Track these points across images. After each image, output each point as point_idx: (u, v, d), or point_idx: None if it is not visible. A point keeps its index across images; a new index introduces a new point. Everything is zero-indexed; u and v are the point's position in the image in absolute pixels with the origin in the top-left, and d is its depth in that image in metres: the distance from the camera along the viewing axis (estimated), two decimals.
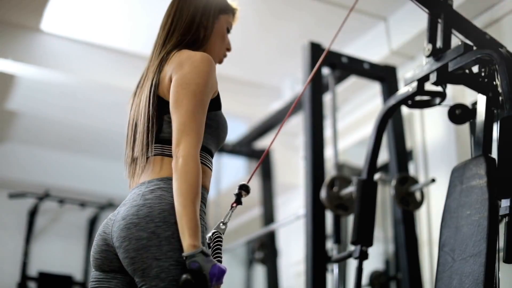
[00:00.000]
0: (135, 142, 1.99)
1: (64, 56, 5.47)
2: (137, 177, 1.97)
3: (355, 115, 5.68)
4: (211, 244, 1.93)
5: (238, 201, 2.08)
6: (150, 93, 1.96)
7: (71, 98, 6.22)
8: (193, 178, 1.77)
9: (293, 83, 5.98)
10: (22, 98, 6.15)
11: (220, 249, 1.92)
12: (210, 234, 1.96)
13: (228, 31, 2.19)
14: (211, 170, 1.99)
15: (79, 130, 7.04)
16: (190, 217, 1.74)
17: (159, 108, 1.95)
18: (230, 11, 2.18)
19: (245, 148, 6.25)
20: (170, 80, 1.93)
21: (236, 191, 2.08)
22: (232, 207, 2.06)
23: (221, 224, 1.98)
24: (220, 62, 2.18)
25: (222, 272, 1.74)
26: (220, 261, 1.88)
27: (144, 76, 2.09)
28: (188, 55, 1.95)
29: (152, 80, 1.98)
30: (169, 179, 1.87)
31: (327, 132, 4.31)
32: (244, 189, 2.09)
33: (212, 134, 1.97)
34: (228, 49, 2.20)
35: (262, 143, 6.37)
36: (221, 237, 1.95)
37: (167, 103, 1.93)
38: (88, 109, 6.47)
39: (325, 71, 4.37)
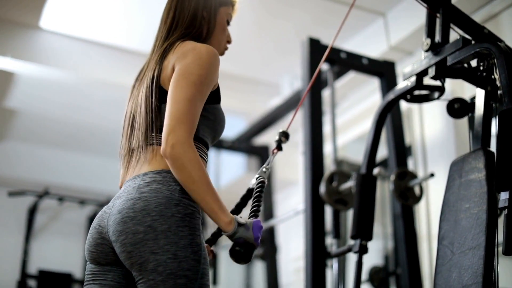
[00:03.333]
0: (133, 132, 1.98)
1: (63, 54, 5.47)
2: (132, 168, 1.97)
3: (354, 110, 5.69)
4: (255, 188, 2.06)
5: (279, 147, 2.28)
6: (152, 83, 1.95)
7: (70, 95, 6.22)
8: (199, 163, 1.80)
9: (292, 79, 5.99)
10: (21, 96, 6.16)
11: (262, 195, 2.04)
12: (253, 180, 2.14)
13: (228, 23, 2.18)
14: (206, 162, 1.99)
15: (78, 127, 7.05)
16: (214, 198, 1.81)
17: (161, 98, 1.94)
18: (229, 3, 2.17)
19: (244, 144, 6.26)
20: (173, 70, 1.92)
21: (277, 137, 2.26)
22: (273, 153, 2.24)
23: (264, 169, 2.15)
24: (222, 54, 2.17)
25: (261, 228, 1.88)
26: (259, 210, 1.99)
27: (145, 69, 2.08)
28: (193, 46, 1.95)
29: (154, 71, 1.97)
30: (165, 172, 1.87)
31: (326, 128, 4.32)
32: (284, 135, 2.28)
33: (209, 127, 1.97)
34: (229, 41, 2.20)
35: (261, 140, 6.37)
36: (264, 182, 2.10)
37: (166, 92, 1.92)
38: (87, 107, 6.47)
39: (324, 66, 4.37)
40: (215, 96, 1.99)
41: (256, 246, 1.85)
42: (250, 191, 2.17)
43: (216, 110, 1.99)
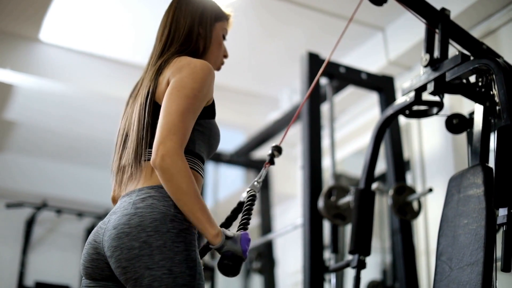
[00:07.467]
0: (124, 150, 1.98)
1: (62, 66, 5.48)
2: (124, 185, 1.97)
3: (353, 125, 5.69)
4: (245, 202, 2.05)
5: (271, 161, 2.25)
6: (146, 100, 1.95)
7: (69, 108, 6.23)
8: (188, 174, 1.78)
9: (291, 93, 5.99)
10: (20, 108, 6.16)
11: (252, 208, 2.02)
12: (244, 193, 2.12)
13: (224, 37, 2.18)
14: (202, 177, 1.98)
15: (77, 140, 7.05)
16: (202, 210, 1.79)
17: (154, 114, 1.93)
18: (224, 18, 2.18)
19: (243, 158, 6.25)
20: (167, 84, 1.92)
21: (269, 151, 2.23)
22: (265, 166, 2.21)
23: (256, 182, 2.13)
24: (218, 69, 2.18)
25: (249, 241, 1.87)
26: (248, 223, 1.97)
27: (139, 86, 2.07)
28: (189, 61, 1.94)
29: (149, 88, 1.96)
30: (160, 187, 1.86)
31: (325, 142, 4.32)
32: (276, 149, 2.24)
33: (204, 142, 1.96)
34: (225, 56, 2.20)
35: (259, 153, 6.37)
36: (255, 195, 2.08)
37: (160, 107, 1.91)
38: (86, 119, 6.47)
39: (323, 81, 4.38)
40: (210, 111, 1.98)
41: (244, 259, 1.83)
42: (240, 205, 2.16)
43: (211, 125, 1.99)
